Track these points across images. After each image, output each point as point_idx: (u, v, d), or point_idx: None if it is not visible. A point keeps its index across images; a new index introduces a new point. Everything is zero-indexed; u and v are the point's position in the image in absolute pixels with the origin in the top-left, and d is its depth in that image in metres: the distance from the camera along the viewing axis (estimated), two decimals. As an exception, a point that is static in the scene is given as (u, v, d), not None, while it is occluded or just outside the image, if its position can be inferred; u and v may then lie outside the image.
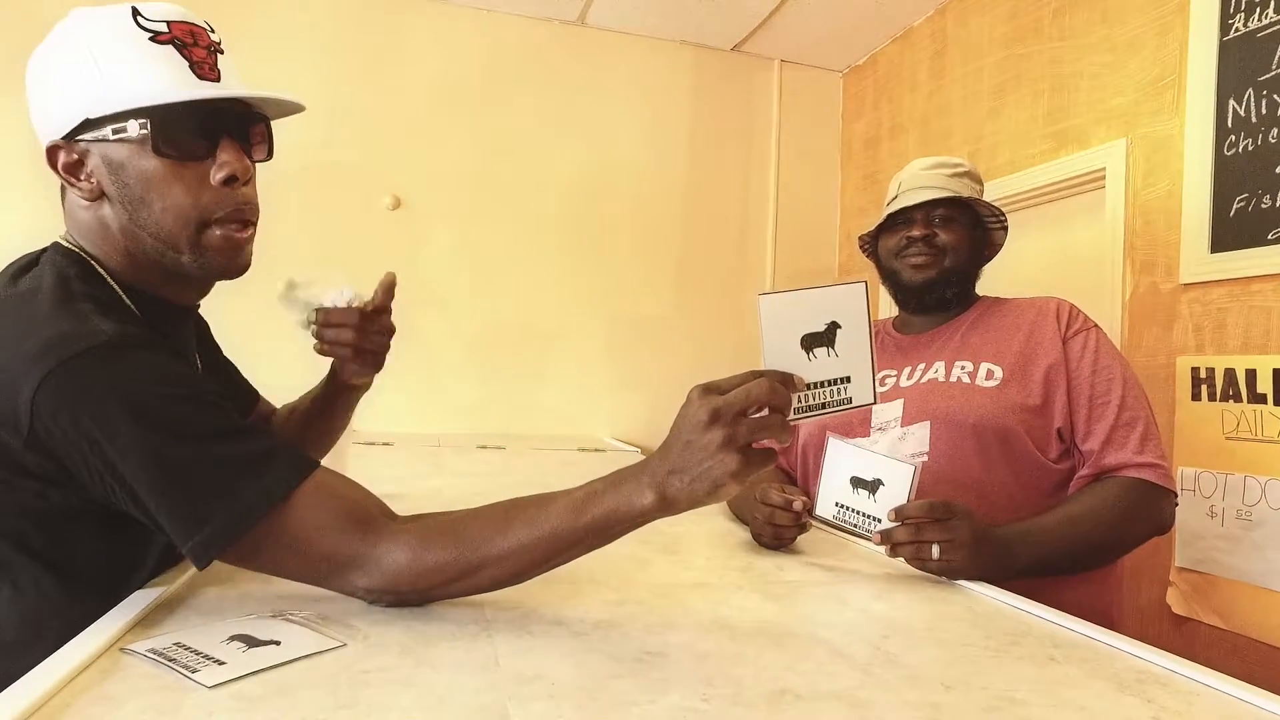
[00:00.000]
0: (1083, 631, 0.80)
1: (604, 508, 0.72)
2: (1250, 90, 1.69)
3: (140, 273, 0.81)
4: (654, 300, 3.05)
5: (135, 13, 0.75)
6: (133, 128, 0.74)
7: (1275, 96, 1.64)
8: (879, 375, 0.94)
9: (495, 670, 0.62)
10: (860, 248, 1.47)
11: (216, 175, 0.77)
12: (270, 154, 0.86)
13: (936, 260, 1.29)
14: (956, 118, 2.65)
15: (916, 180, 1.33)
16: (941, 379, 1.26)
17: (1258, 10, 1.69)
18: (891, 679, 0.65)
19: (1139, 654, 0.74)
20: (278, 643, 0.65)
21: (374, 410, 2.46)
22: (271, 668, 0.60)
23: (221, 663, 0.60)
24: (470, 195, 2.88)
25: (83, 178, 0.78)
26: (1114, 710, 0.61)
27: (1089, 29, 2.15)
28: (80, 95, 0.75)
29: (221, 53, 0.80)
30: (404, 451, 2.14)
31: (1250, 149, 1.68)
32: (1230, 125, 1.73)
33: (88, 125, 0.75)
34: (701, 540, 1.17)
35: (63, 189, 0.81)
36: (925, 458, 1.20)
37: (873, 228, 1.39)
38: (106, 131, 0.75)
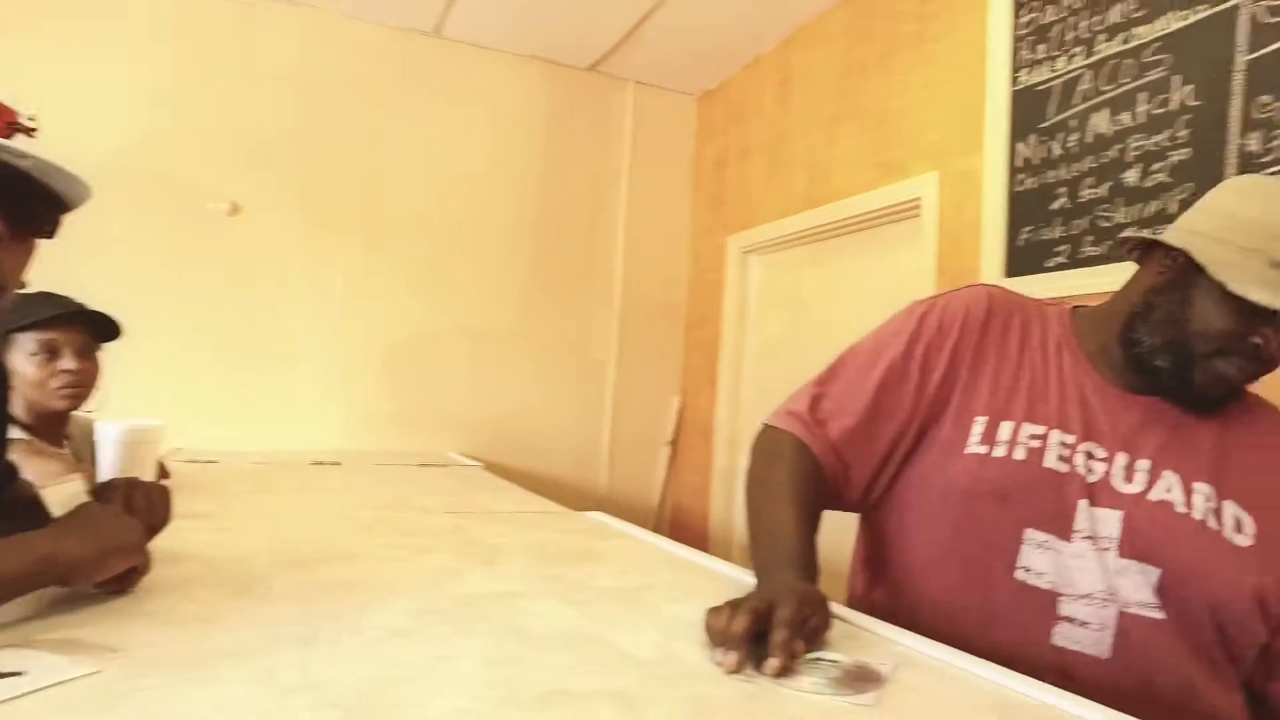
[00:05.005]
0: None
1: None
2: (1033, 136, 1.90)
3: None
4: (501, 315, 3.04)
5: None
6: None
7: (1050, 143, 1.85)
8: (1065, 438, 0.86)
9: (268, 682, 0.61)
10: (1126, 247, 1.00)
11: None
12: (54, 233, 0.80)
13: (1258, 374, 0.89)
14: (799, 143, 2.80)
15: None
16: (1180, 505, 0.87)
17: (1036, 67, 1.91)
18: (669, 674, 0.68)
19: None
20: (21, 673, 0.60)
21: (197, 427, 2.32)
22: (12, 699, 0.56)
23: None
24: (315, 203, 2.77)
25: None
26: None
27: (911, 68, 2.34)
28: None
29: (30, 132, 0.77)
30: (229, 469, 2.03)
31: (1033, 187, 1.89)
32: (1019, 165, 1.93)
33: None
34: (519, 550, 1.18)
35: None
36: (1155, 613, 0.84)
37: (1186, 251, 0.88)
38: None
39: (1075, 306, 1.04)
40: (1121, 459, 0.90)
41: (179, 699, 0.58)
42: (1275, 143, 1.42)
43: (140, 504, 0.88)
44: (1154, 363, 0.90)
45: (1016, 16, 1.97)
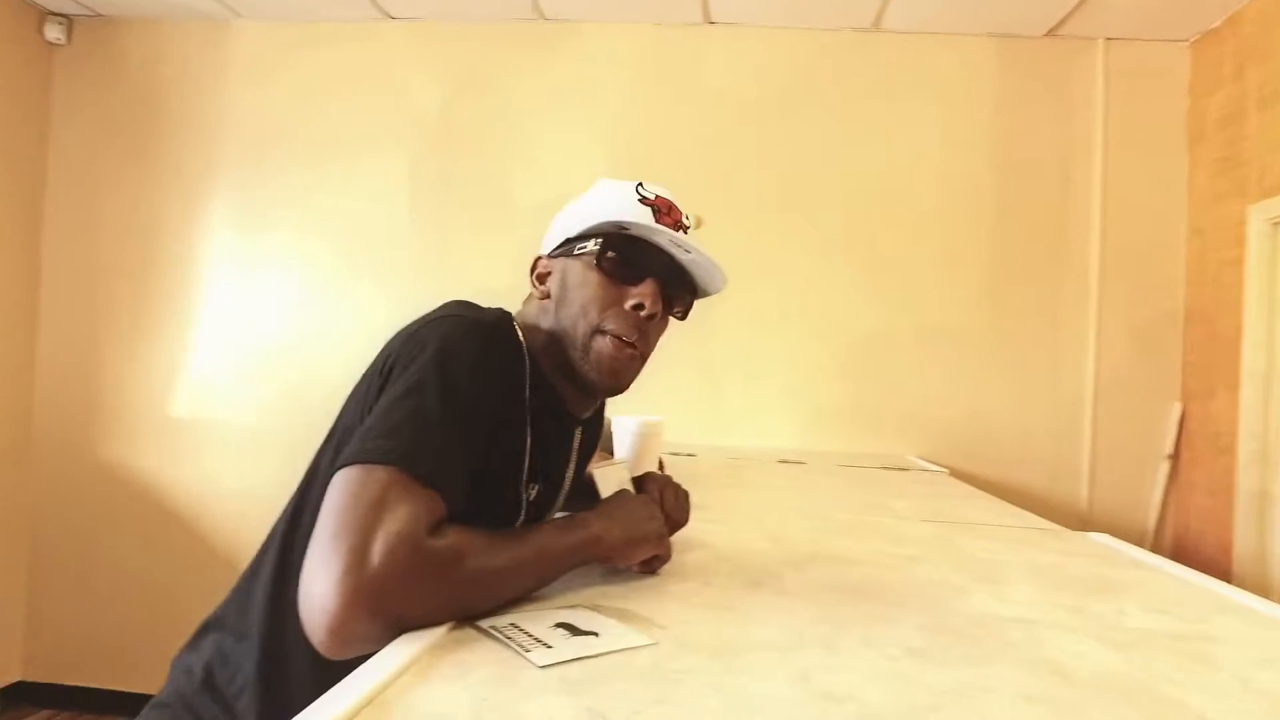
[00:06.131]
0: None
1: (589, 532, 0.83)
2: None
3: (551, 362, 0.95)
4: (961, 311, 2.83)
5: (639, 185, 0.95)
6: (590, 245, 0.92)
7: None
8: None
9: (804, 685, 0.61)
10: None
11: (629, 301, 0.91)
12: (684, 315, 1.00)
13: None
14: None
15: None
16: None
17: None
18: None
19: None
20: (596, 634, 0.70)
21: (677, 422, 2.58)
22: (592, 656, 0.65)
23: (549, 646, 0.66)
24: (766, 212, 2.90)
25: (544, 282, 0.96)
26: None
27: None
28: (570, 222, 0.95)
29: (685, 229, 0.95)
30: (705, 464, 2.21)
31: None
32: None
33: (566, 243, 0.94)
34: (1021, 570, 1.06)
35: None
36: None
37: None
38: (574, 248, 0.93)
39: None
40: None
41: (728, 687, 0.60)
42: None
43: (669, 501, 0.99)
44: None
45: None
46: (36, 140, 3.10)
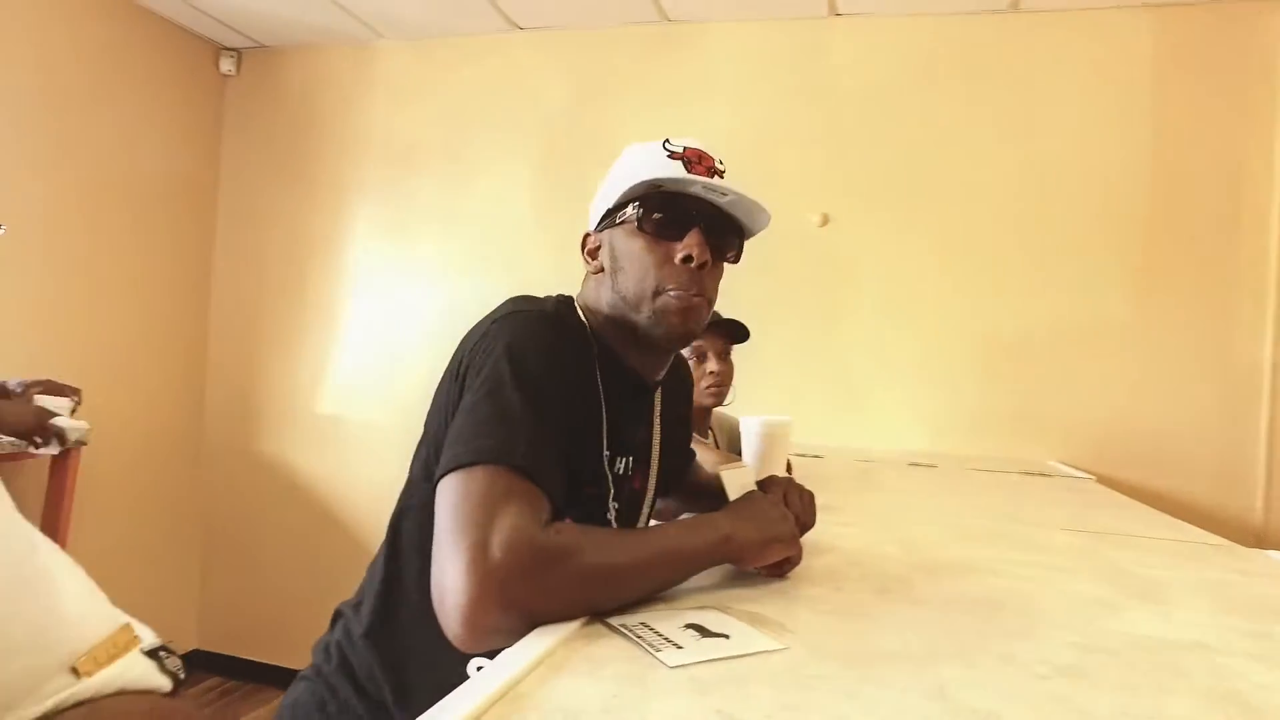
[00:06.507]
0: None
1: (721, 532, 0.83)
2: None
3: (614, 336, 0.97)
4: (1108, 308, 2.62)
5: (666, 141, 0.95)
6: (629, 212, 0.93)
7: None
8: None
9: (942, 700, 0.59)
10: None
11: (678, 255, 0.91)
12: (737, 258, 0.99)
13: None
14: None
15: None
16: None
17: None
18: None
19: None
20: (727, 636, 0.69)
21: (804, 424, 2.53)
22: (722, 659, 0.65)
23: (680, 646, 0.66)
24: (896, 208, 2.80)
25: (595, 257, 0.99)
26: None
27: None
28: (606, 194, 0.97)
29: (721, 174, 0.94)
30: (833, 466, 2.16)
31: None
32: None
33: (607, 215, 0.96)
34: (1188, 589, 0.97)
35: None
36: None
37: None
38: (615, 218, 0.95)
39: None
40: None
41: (862, 696, 0.59)
42: None
43: (795, 502, 0.98)
44: None
45: None
46: (209, 164, 3.40)
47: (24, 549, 0.40)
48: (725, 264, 0.98)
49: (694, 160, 0.93)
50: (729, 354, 1.86)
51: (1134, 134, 2.64)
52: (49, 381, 2.02)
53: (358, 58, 3.28)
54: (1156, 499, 2.34)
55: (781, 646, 0.68)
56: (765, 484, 1.00)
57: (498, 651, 0.65)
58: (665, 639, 0.68)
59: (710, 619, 0.74)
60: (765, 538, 0.87)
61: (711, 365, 1.79)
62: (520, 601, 0.69)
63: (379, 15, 3.02)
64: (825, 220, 2.87)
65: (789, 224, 2.85)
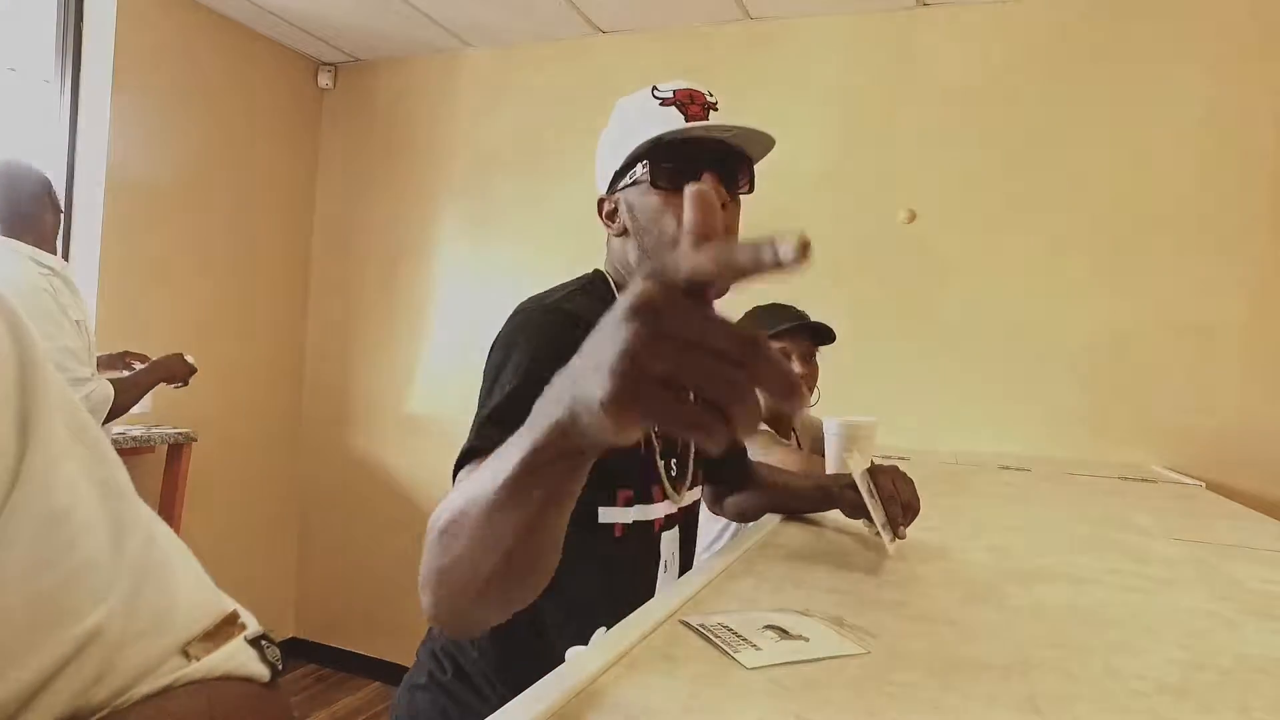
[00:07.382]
0: None
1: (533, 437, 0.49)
2: None
3: None
4: (1224, 307, 2.45)
5: (653, 89, 0.95)
6: (638, 171, 0.94)
7: None
8: None
9: (1033, 713, 0.57)
10: None
11: None
12: (751, 188, 0.97)
13: None
14: None
15: None
16: None
17: None
18: None
19: None
20: (806, 639, 0.68)
21: (889, 424, 2.47)
22: (801, 661, 0.64)
23: (758, 648, 0.66)
24: (990, 204, 2.70)
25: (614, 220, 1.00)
26: None
27: None
28: (610, 156, 0.98)
29: (715, 109, 0.94)
30: (919, 468, 2.09)
31: None
32: None
33: (616, 177, 0.97)
34: (1316, 608, 0.91)
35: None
36: None
37: None
38: (625, 179, 0.96)
39: None
40: None
41: (947, 707, 0.57)
42: None
43: (905, 490, 1.05)
44: None
45: None
46: (307, 175, 3.57)
47: (146, 537, 0.42)
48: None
49: (687, 102, 0.93)
50: (814, 356, 1.84)
51: (1253, 126, 2.47)
52: (127, 352, 2.34)
53: (444, 67, 3.38)
54: (1274, 508, 2.19)
55: (862, 651, 0.67)
56: (875, 472, 1.04)
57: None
58: (744, 640, 0.67)
59: (790, 621, 0.73)
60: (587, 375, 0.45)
61: (795, 367, 1.77)
62: (426, 581, 0.62)
63: (465, 24, 3.11)
64: (912, 217, 2.79)
65: (877, 223, 2.79)
